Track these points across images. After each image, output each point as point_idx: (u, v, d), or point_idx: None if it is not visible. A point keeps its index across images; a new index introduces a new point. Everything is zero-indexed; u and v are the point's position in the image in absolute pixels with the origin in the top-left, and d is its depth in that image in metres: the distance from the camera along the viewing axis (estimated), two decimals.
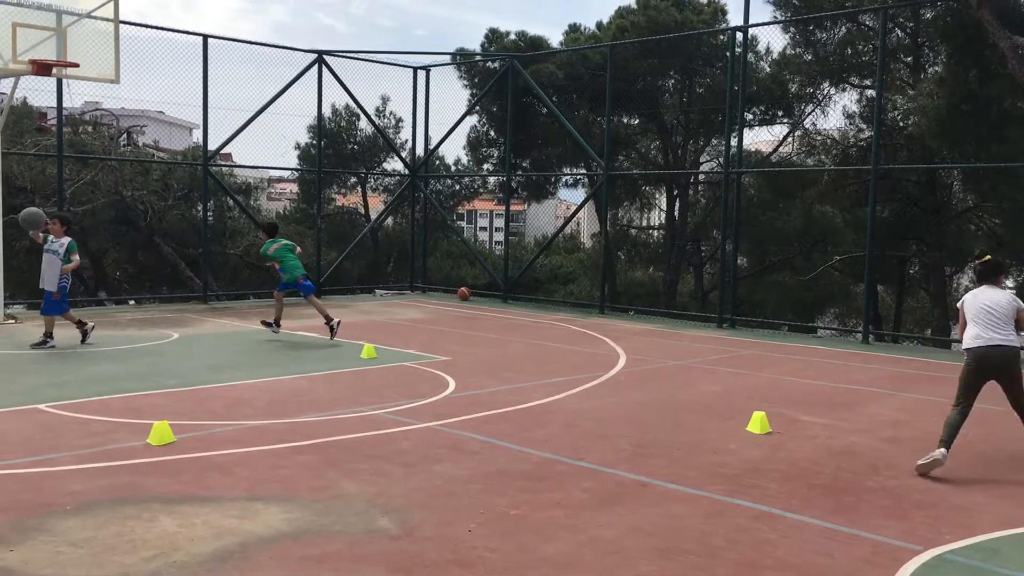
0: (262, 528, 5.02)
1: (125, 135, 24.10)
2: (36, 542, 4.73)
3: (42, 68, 12.70)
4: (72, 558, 4.53)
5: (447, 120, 21.49)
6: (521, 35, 23.78)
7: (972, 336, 6.74)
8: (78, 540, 4.77)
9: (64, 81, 14.80)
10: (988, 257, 7.19)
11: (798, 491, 5.98)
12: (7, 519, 5.05)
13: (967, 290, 7.45)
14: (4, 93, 13.28)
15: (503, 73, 20.17)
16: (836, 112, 29.18)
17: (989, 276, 6.99)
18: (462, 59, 23.39)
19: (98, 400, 8.26)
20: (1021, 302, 6.82)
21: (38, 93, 25.21)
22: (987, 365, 6.67)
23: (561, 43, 23.64)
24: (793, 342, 14.17)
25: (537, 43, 23.36)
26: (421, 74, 21.12)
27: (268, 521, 5.13)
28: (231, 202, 21.62)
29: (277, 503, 5.44)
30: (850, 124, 19.86)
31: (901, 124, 18.56)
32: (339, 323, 12.58)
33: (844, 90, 19.95)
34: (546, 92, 20.27)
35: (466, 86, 23.48)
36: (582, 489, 5.89)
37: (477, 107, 22.72)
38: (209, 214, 19.65)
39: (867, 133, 18.88)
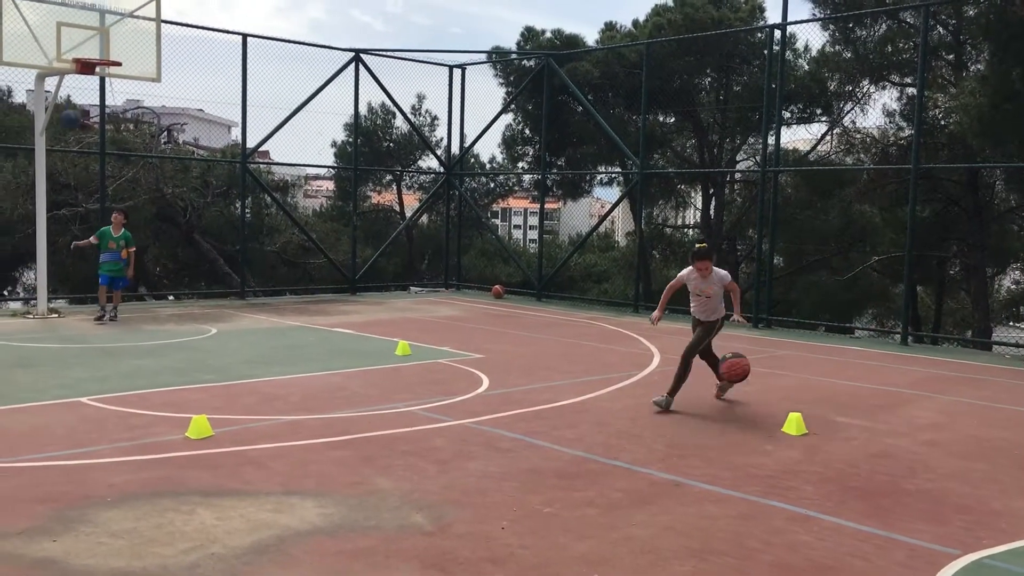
0: (298, 522, 5.07)
1: (166, 133, 24.46)
2: (78, 533, 4.83)
3: (85, 67, 12.93)
4: (113, 549, 4.62)
5: (482, 118, 21.58)
6: (557, 33, 23.75)
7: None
8: (118, 531, 4.86)
9: (107, 79, 15.06)
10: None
11: (834, 493, 5.93)
12: (50, 510, 5.16)
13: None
14: (49, 91, 13.52)
15: (539, 71, 20.18)
16: (876, 110, 28.84)
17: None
18: (498, 57, 23.42)
19: (138, 394, 8.40)
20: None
21: (81, 91, 25.82)
22: None
23: (597, 41, 23.56)
24: (830, 343, 14.03)
25: (573, 41, 23.32)
26: (457, 72, 21.20)
27: (303, 515, 5.19)
28: (269, 199, 21.85)
29: (312, 498, 5.50)
30: (890, 122, 19.60)
31: (942, 123, 18.27)
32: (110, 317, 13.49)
33: (884, 88, 19.68)
34: (581, 90, 20.24)
35: (501, 84, 23.54)
36: (615, 488, 5.89)
37: (512, 105, 22.74)
38: (247, 211, 19.86)
39: (907, 132, 18.61)
